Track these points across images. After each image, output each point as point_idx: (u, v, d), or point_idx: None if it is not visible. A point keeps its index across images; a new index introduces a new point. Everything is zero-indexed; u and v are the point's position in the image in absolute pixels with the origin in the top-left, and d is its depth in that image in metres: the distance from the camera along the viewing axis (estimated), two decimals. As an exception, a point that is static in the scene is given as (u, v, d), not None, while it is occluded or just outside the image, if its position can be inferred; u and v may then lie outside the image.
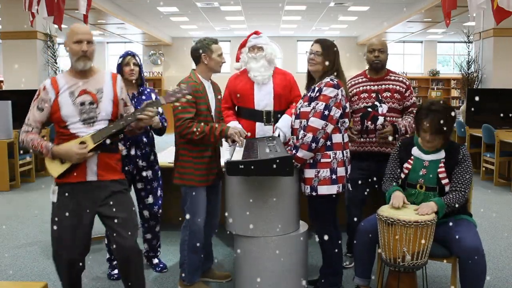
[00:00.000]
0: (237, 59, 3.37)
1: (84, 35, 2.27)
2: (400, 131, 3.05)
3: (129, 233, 2.29)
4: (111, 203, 2.31)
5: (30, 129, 2.32)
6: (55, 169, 2.29)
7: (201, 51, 2.79)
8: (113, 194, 2.32)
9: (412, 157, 2.66)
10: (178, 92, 2.38)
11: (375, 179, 3.15)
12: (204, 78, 2.84)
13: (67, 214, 2.26)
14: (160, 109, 3.18)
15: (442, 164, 2.57)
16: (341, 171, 2.66)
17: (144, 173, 3.15)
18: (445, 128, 2.50)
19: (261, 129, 3.19)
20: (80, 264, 2.36)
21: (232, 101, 3.31)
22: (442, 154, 2.60)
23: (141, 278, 2.37)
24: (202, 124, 2.67)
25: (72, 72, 2.34)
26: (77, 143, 2.24)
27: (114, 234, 2.29)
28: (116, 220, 2.29)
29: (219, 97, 2.96)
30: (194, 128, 2.65)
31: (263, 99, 3.19)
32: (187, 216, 2.80)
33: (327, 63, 2.68)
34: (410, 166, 2.64)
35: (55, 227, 2.29)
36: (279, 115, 3.22)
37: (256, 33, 3.28)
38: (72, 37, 2.28)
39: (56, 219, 2.29)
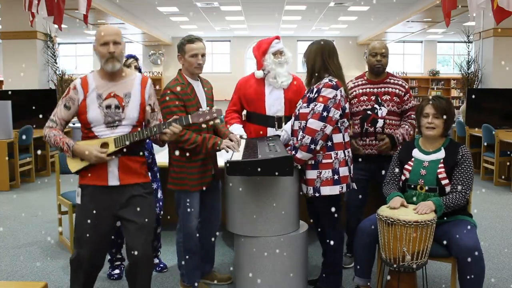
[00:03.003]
0: (259, 66, 3.22)
1: (110, 36, 2.26)
2: (398, 141, 3.06)
3: (143, 238, 2.30)
4: (129, 206, 2.31)
5: (54, 125, 2.33)
6: (74, 164, 2.31)
7: (177, 51, 2.74)
8: (133, 198, 2.32)
9: (412, 159, 2.67)
10: (207, 114, 2.35)
11: (375, 179, 3.16)
12: (191, 78, 2.77)
13: (88, 216, 2.28)
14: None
15: (441, 165, 2.57)
16: (343, 171, 2.66)
17: None
18: (445, 112, 2.56)
19: (273, 134, 3.17)
20: (98, 267, 2.40)
21: (242, 104, 3.28)
22: (442, 154, 2.61)
23: (146, 284, 2.37)
24: (195, 134, 2.63)
25: (101, 73, 2.34)
26: (98, 145, 2.26)
27: (127, 238, 2.31)
28: (132, 224, 2.30)
29: (209, 94, 2.87)
30: (186, 137, 2.61)
31: (274, 104, 3.16)
32: (180, 220, 2.79)
33: (309, 64, 2.70)
34: (410, 168, 2.65)
35: (77, 228, 2.32)
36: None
37: (277, 38, 3.25)
38: (99, 39, 2.27)
39: (79, 220, 2.32)
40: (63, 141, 2.28)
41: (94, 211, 2.28)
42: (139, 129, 2.36)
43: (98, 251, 2.36)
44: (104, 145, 2.27)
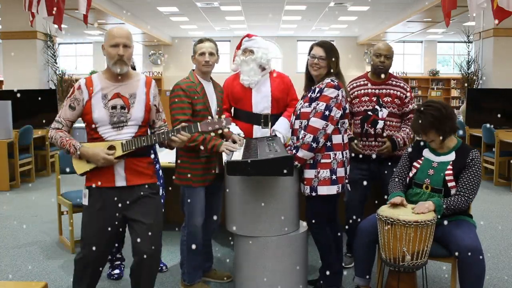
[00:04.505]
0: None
1: (121, 39, 2.26)
2: (398, 144, 3.06)
3: (151, 239, 2.30)
4: (137, 207, 2.32)
5: (60, 126, 2.33)
6: (80, 166, 2.30)
7: (192, 52, 2.85)
8: (139, 198, 2.33)
9: (422, 158, 2.67)
10: (216, 123, 2.34)
11: (375, 179, 3.16)
12: (202, 78, 2.83)
13: (95, 217, 2.29)
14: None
15: (450, 166, 2.57)
16: (340, 172, 2.67)
17: None
18: (434, 125, 2.53)
19: (259, 131, 3.18)
20: (102, 266, 2.41)
21: (229, 102, 3.29)
22: (452, 156, 2.60)
23: (150, 285, 2.38)
24: (196, 133, 2.63)
25: (107, 74, 2.33)
26: (106, 147, 2.25)
27: (135, 237, 2.31)
28: (140, 224, 2.30)
29: (220, 97, 2.95)
30: None
31: (261, 102, 3.17)
32: (186, 216, 2.80)
33: (331, 67, 2.69)
34: (418, 166, 2.66)
35: (85, 229, 2.32)
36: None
37: (248, 36, 3.26)
38: (109, 40, 2.27)
39: (86, 221, 2.33)
40: (70, 143, 2.27)
41: (101, 212, 2.29)
42: (145, 130, 2.36)
43: (104, 251, 2.36)
44: (111, 148, 2.26)
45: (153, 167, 2.44)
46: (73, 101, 2.30)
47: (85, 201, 2.34)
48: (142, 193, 2.33)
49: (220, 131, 2.41)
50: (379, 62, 3.10)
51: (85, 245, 2.33)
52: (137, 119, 2.32)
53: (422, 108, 2.58)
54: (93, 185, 2.30)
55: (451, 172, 2.56)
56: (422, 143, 2.75)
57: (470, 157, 2.55)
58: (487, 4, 4.78)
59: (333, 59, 2.69)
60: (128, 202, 2.31)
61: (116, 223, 2.33)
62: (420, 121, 2.55)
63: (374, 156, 3.10)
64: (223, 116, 2.39)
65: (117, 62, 2.26)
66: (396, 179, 2.74)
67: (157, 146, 3.29)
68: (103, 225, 2.28)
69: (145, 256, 2.28)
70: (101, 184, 2.29)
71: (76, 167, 2.31)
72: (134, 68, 3.11)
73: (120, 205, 2.30)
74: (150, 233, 2.30)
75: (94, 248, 2.29)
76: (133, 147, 2.27)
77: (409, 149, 2.79)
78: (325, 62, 2.69)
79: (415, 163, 2.68)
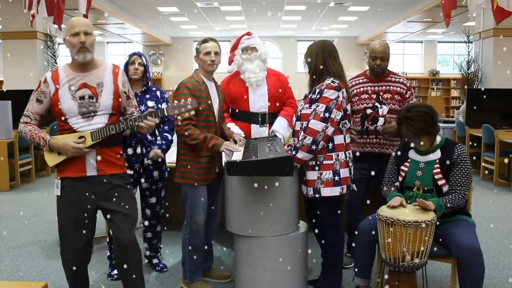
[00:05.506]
0: (230, 62, 3.34)
1: (81, 27, 2.26)
2: None
3: (127, 227, 2.32)
4: (111, 197, 2.33)
5: (29, 120, 2.34)
6: (52, 159, 2.31)
7: (195, 52, 2.87)
8: (113, 188, 2.34)
9: (408, 160, 2.67)
10: (182, 106, 2.35)
11: (375, 179, 3.15)
12: (206, 78, 2.85)
13: (69, 207, 2.30)
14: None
15: (437, 165, 2.57)
16: (344, 172, 2.66)
17: (150, 173, 3.16)
18: (425, 129, 2.52)
19: (257, 130, 3.19)
20: (85, 256, 2.41)
21: (226, 103, 3.30)
22: (437, 154, 2.60)
23: (138, 273, 2.39)
24: (199, 131, 2.68)
25: (73, 65, 2.34)
26: (76, 137, 2.26)
27: (113, 228, 2.34)
28: (115, 214, 2.32)
29: (222, 96, 2.97)
30: (189, 132, 2.67)
31: (258, 101, 3.18)
32: (187, 215, 2.81)
33: (309, 65, 2.70)
34: (406, 169, 2.65)
35: (60, 220, 2.34)
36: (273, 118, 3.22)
37: (248, 34, 3.26)
38: (69, 30, 2.28)
39: (60, 212, 2.34)
40: (39, 136, 2.29)
41: (74, 202, 2.29)
42: (117, 118, 2.38)
43: (82, 242, 2.35)
44: (81, 138, 2.27)
45: (123, 159, 2.45)
46: (40, 94, 2.31)
47: (57, 192, 2.33)
48: (115, 183, 2.34)
49: (187, 114, 2.38)
50: (376, 65, 3.11)
51: (62, 236, 2.34)
52: (106, 108, 2.33)
53: (410, 115, 2.53)
54: (65, 176, 2.31)
55: (438, 170, 2.56)
56: (403, 146, 2.74)
57: (456, 153, 2.55)
58: (487, 4, 4.78)
59: (308, 56, 2.70)
60: (102, 192, 2.32)
61: (92, 213, 2.34)
62: (412, 129, 2.52)
63: (375, 150, 3.10)
64: (189, 99, 2.39)
65: (80, 50, 2.26)
66: (387, 185, 2.75)
67: (172, 147, 3.30)
68: (77, 215, 2.30)
69: (128, 245, 2.30)
70: (73, 174, 2.29)
71: (48, 159, 2.32)
72: (145, 66, 3.12)
73: (93, 195, 2.31)
74: (128, 222, 2.32)
75: (72, 239, 2.31)
76: (102, 135, 2.28)
77: (393, 154, 2.78)
78: (305, 61, 2.74)
79: (402, 167, 2.68)
